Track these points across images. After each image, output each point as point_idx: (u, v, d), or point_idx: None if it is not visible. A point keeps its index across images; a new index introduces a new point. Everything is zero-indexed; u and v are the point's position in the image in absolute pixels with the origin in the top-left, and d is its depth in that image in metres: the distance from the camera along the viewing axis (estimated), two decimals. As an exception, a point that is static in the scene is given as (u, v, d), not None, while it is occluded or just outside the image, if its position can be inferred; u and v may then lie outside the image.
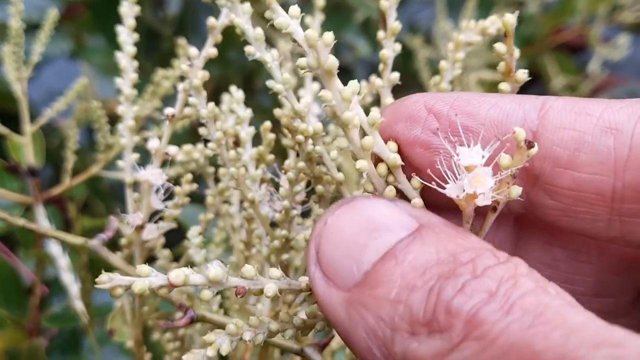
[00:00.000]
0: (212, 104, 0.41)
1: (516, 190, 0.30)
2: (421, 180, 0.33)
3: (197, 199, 0.59)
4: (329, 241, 0.30)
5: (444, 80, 0.44)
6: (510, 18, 0.33)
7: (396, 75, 0.43)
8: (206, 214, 0.52)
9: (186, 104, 0.43)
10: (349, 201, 0.31)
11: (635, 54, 1.59)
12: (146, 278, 0.29)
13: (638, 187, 0.30)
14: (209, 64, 0.43)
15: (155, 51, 1.16)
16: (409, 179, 0.34)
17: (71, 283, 0.64)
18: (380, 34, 0.44)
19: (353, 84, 0.31)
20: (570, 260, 0.36)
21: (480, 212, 0.32)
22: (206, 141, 0.44)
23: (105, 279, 0.29)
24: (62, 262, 0.65)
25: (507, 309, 0.24)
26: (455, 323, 0.25)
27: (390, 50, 0.43)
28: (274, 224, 0.44)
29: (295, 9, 0.31)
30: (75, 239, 0.46)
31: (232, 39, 0.39)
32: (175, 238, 0.55)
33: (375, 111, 0.33)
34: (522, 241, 0.37)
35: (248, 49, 0.37)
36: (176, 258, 0.54)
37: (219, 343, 0.32)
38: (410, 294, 0.26)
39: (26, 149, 0.64)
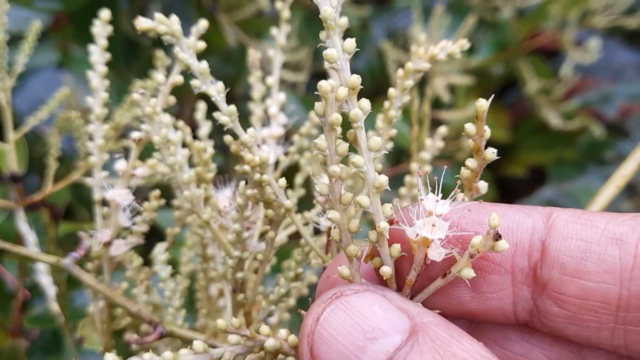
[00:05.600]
0: (165, 130, 0.43)
1: (468, 272, 0.32)
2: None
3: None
4: (324, 341, 0.31)
5: (393, 108, 0.45)
6: (484, 104, 0.33)
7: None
8: (173, 227, 0.54)
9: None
10: (339, 296, 0.32)
11: (608, 57, 1.63)
12: None
13: None
14: (188, 74, 0.44)
15: (134, 61, 1.18)
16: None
17: (49, 285, 0.66)
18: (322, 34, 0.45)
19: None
20: (522, 343, 0.37)
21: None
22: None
23: None
24: (41, 265, 0.67)
25: None
26: None
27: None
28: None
29: (351, 44, 0.32)
30: (48, 258, 0.49)
31: (210, 46, 0.41)
32: (152, 240, 0.56)
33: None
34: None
35: (194, 82, 0.39)
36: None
37: None
38: None
39: (9, 156, 0.67)
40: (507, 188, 1.56)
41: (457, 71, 1.33)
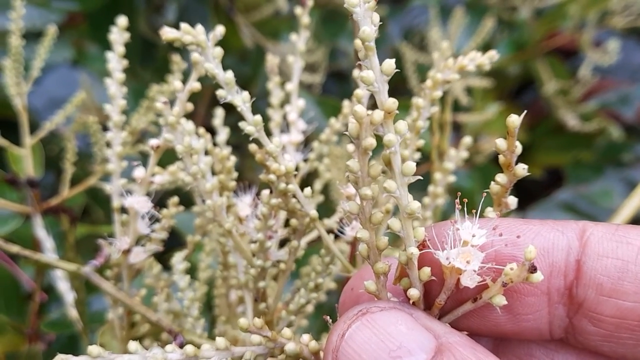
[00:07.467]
0: (187, 139, 0.42)
1: (499, 299, 0.31)
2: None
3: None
4: (348, 359, 0.31)
5: (421, 118, 0.45)
6: (515, 119, 0.32)
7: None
8: (194, 235, 0.54)
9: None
10: (364, 313, 0.32)
11: (628, 58, 1.61)
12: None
13: None
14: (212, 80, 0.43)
15: (151, 61, 1.17)
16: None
17: (66, 291, 0.66)
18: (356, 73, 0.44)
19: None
20: (546, 359, 0.36)
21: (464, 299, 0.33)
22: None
23: None
24: (58, 270, 0.67)
25: None
26: None
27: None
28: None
29: (390, 65, 0.31)
30: (69, 266, 0.48)
31: (226, 46, 0.40)
32: (172, 242, 0.56)
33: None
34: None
35: (219, 92, 0.38)
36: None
37: None
38: None
39: (26, 160, 0.67)
40: (524, 189, 1.54)
41: (475, 73, 1.31)
